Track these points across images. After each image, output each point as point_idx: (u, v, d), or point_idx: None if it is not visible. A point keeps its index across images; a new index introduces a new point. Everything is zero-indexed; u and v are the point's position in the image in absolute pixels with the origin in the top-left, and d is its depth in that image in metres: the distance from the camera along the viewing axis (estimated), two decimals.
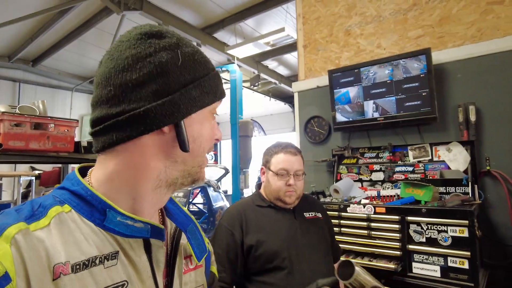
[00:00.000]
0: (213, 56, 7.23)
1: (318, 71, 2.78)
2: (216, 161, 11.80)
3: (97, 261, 0.49)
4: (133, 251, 0.54)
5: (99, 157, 0.58)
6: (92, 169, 0.60)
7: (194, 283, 0.67)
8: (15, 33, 6.27)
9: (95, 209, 0.52)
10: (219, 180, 7.56)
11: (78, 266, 0.47)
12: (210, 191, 6.83)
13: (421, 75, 2.11)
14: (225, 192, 7.93)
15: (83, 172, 0.60)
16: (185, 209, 0.72)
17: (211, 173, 7.84)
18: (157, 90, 0.53)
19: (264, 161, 1.51)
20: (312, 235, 1.43)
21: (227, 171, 7.62)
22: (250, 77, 8.09)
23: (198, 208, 7.29)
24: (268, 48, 6.11)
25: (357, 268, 1.06)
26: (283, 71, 8.44)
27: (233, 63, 6.51)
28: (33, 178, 4.81)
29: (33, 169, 6.90)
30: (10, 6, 5.22)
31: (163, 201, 0.62)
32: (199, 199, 7.48)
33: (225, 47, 6.09)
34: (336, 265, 1.40)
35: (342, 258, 1.93)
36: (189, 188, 6.26)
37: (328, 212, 2.07)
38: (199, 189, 6.83)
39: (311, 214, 1.50)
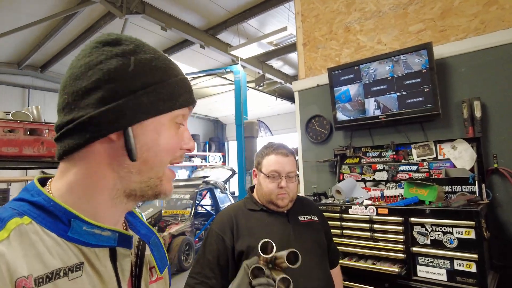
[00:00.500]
0: (217, 57, 7.23)
1: (319, 69, 2.72)
2: (224, 162, 11.79)
3: (61, 273, 0.48)
4: (99, 260, 0.53)
5: (60, 165, 0.57)
6: (52, 180, 0.58)
7: None
8: (22, 40, 6.38)
9: (58, 220, 0.51)
10: (226, 181, 7.55)
11: (41, 280, 0.45)
12: (217, 193, 6.82)
13: (423, 71, 2.04)
14: (233, 193, 7.92)
15: (43, 183, 0.58)
16: (146, 221, 0.72)
17: (218, 175, 7.83)
18: (103, 97, 0.52)
19: (256, 163, 1.47)
20: (306, 239, 1.38)
21: (234, 173, 7.60)
22: (255, 77, 8.05)
23: (206, 209, 7.29)
24: (272, 47, 6.08)
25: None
26: (288, 70, 8.39)
27: (237, 63, 6.48)
28: None
29: (44, 173, 6.98)
30: (16, 14, 5.31)
31: (123, 211, 0.61)
32: (206, 200, 7.48)
33: (229, 48, 6.07)
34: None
35: (343, 261, 1.87)
36: (196, 190, 6.25)
37: (329, 214, 2.03)
38: (207, 191, 6.82)
39: (306, 218, 1.45)
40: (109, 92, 0.53)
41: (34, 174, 6.73)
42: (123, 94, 0.53)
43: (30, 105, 7.71)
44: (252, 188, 1.53)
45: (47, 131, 1.84)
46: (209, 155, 11.29)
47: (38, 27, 5.68)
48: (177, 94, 0.58)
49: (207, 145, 11.73)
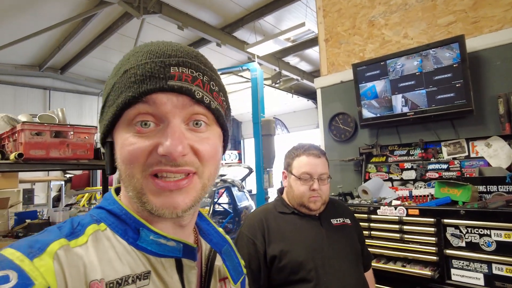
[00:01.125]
0: (233, 55, 7.20)
1: (342, 65, 2.65)
2: (240, 160, 11.80)
3: (130, 280, 0.48)
4: (165, 271, 0.53)
5: None
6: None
7: None
8: (43, 43, 6.51)
9: (129, 228, 0.53)
10: (243, 179, 7.53)
11: (111, 285, 0.46)
12: (235, 191, 6.81)
13: (454, 65, 1.95)
14: (250, 191, 7.89)
15: (119, 192, 0.60)
16: (221, 230, 0.69)
17: (235, 173, 7.83)
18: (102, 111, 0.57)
19: (286, 165, 1.42)
20: (340, 244, 1.33)
21: (251, 171, 7.57)
22: (271, 74, 7.99)
23: (224, 208, 7.31)
24: (289, 44, 6.00)
25: None
26: (305, 66, 8.28)
27: (254, 61, 6.44)
28: (63, 182, 4.97)
29: (65, 173, 7.17)
30: (37, 18, 5.42)
31: (173, 226, 0.56)
32: (224, 199, 7.49)
33: (245, 45, 6.02)
34: None
35: (374, 264, 1.81)
36: (213, 189, 6.26)
37: (356, 215, 1.96)
38: (224, 189, 6.83)
39: (339, 221, 1.39)
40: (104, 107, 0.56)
41: (56, 175, 6.90)
42: (101, 111, 0.56)
43: (51, 106, 7.92)
44: (281, 190, 1.48)
45: (72, 133, 1.85)
46: (225, 153, 11.34)
47: (58, 29, 5.78)
48: (118, 94, 0.51)
49: None
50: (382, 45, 2.43)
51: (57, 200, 6.34)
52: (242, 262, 0.71)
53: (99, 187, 6.51)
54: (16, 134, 1.78)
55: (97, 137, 1.99)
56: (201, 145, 0.52)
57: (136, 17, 4.98)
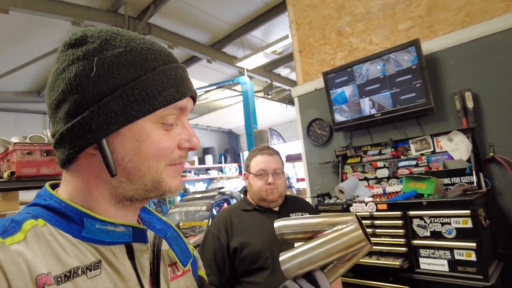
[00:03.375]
0: (224, 70, 7.40)
1: (315, 74, 2.80)
2: (240, 172, 11.89)
3: (79, 272, 0.47)
4: (116, 258, 0.51)
5: (62, 174, 0.56)
6: (58, 188, 0.57)
7: None
8: (40, 70, 6.75)
9: (71, 220, 0.50)
10: (241, 191, 7.63)
11: (59, 279, 0.44)
12: (233, 202, 6.90)
13: (413, 67, 2.09)
14: None
15: (54, 188, 0.58)
16: (163, 217, 0.68)
17: (234, 185, 7.93)
18: (69, 110, 0.49)
19: (246, 167, 1.57)
20: None
21: None
22: (263, 86, 8.17)
23: None
24: (276, 56, 6.19)
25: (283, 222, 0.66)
26: (296, 77, 8.47)
27: (244, 75, 6.63)
28: None
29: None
30: (34, 46, 5.66)
31: (134, 211, 0.58)
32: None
33: (234, 60, 6.23)
34: None
35: None
36: (212, 201, 6.36)
37: (332, 213, 2.08)
38: (223, 201, 6.92)
39: (298, 215, 1.52)
40: (73, 104, 0.48)
41: None
42: (87, 105, 0.48)
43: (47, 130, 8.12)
44: (245, 191, 1.62)
45: None
46: (225, 167, 11.43)
47: (54, 56, 6.00)
48: (155, 92, 0.50)
49: (222, 157, 11.88)
50: (350, 52, 2.59)
51: None
52: (190, 246, 0.70)
53: None
54: (9, 155, 1.92)
55: None
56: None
57: None
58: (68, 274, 0.45)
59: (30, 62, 5.91)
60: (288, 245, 1.35)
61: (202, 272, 0.76)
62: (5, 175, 1.79)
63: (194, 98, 0.59)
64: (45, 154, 1.97)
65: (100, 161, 0.50)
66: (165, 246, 0.63)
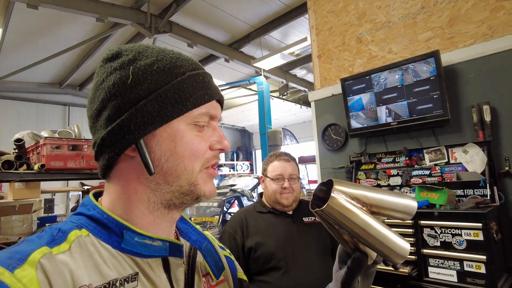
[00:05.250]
0: (241, 69, 7.48)
1: (333, 80, 2.84)
2: (251, 171, 11.98)
3: (118, 284, 0.48)
4: (152, 271, 0.53)
5: (105, 184, 0.59)
6: (102, 197, 0.60)
7: None
8: (63, 63, 6.97)
9: (112, 232, 0.52)
10: (253, 189, 7.70)
11: None
12: (244, 201, 6.99)
13: (431, 78, 2.11)
14: None
15: (97, 197, 0.61)
16: (199, 227, 0.70)
17: (245, 183, 8.01)
18: (109, 116, 0.53)
19: (262, 170, 1.64)
20: (309, 238, 1.52)
21: (260, 181, 7.73)
22: (279, 86, 8.21)
23: None
24: (293, 58, 6.23)
25: (335, 195, 0.58)
26: (312, 78, 8.48)
27: (260, 75, 6.69)
28: (80, 193, 5.24)
29: (83, 184, 7.51)
30: (57, 40, 5.85)
31: (171, 222, 0.60)
32: (234, 208, 7.66)
33: (252, 60, 6.29)
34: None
35: None
36: (223, 198, 6.46)
37: None
38: (234, 199, 7.01)
39: (311, 219, 1.58)
40: (113, 109, 0.52)
41: (74, 186, 7.26)
42: (125, 109, 0.52)
43: (70, 121, 8.36)
44: (261, 194, 1.69)
45: (86, 146, 2.09)
46: (237, 164, 11.54)
47: (77, 50, 6.21)
48: (187, 94, 0.54)
49: (235, 154, 11.99)
50: (369, 60, 2.61)
51: (75, 210, 6.66)
52: (223, 258, 0.72)
53: None
54: (39, 148, 2.04)
55: None
56: None
57: (148, 36, 5.32)
58: (108, 286, 0.47)
59: (54, 56, 6.11)
60: (304, 247, 1.37)
61: (241, 274, 0.78)
62: (36, 167, 1.90)
63: (221, 103, 0.62)
64: (71, 149, 2.08)
65: (139, 163, 0.52)
66: (200, 257, 0.65)
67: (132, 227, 0.53)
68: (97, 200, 0.58)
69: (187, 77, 0.55)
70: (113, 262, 0.50)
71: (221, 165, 11.18)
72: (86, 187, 7.18)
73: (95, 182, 7.22)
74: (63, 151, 2.00)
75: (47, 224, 2.60)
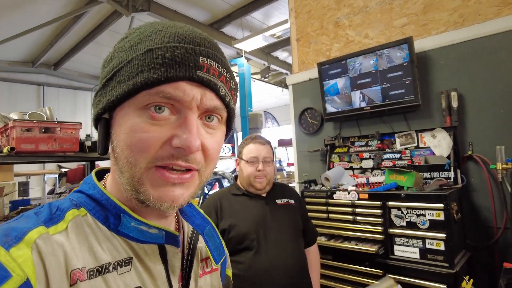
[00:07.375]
0: (223, 50, 7.37)
1: (311, 64, 2.86)
2: (233, 153, 12.01)
3: (111, 268, 0.47)
4: (148, 257, 0.52)
5: None
6: (108, 174, 0.58)
7: (210, 287, 0.64)
8: (36, 40, 6.66)
9: (110, 214, 0.51)
10: (234, 171, 7.77)
11: (92, 273, 0.46)
12: (225, 183, 7.05)
13: (404, 64, 2.16)
14: None
15: (101, 176, 0.58)
16: (203, 211, 0.68)
17: (226, 165, 8.06)
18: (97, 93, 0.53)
19: (238, 153, 1.67)
20: (281, 219, 1.57)
21: None
22: (260, 69, 8.16)
23: None
24: (275, 40, 6.18)
25: None
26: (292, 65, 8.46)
27: (242, 56, 6.62)
28: (57, 176, 5.15)
29: (60, 167, 7.37)
30: (29, 16, 5.57)
31: (159, 212, 0.55)
32: (215, 191, 7.72)
33: (232, 41, 6.20)
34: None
35: (329, 243, 2.04)
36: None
37: (316, 199, 2.20)
38: (215, 181, 7.06)
39: (283, 201, 1.64)
40: (99, 89, 0.52)
41: (51, 169, 7.11)
42: (99, 87, 0.52)
43: (45, 102, 8.08)
44: (236, 177, 1.73)
45: (59, 128, 2.05)
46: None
47: (50, 27, 5.94)
48: (134, 73, 0.46)
49: None
50: (346, 44, 2.64)
51: (51, 193, 6.56)
52: (224, 243, 0.72)
53: None
54: (9, 130, 1.99)
55: (81, 132, 2.19)
56: (210, 143, 0.51)
57: (125, 15, 5.14)
58: (100, 269, 0.46)
59: (25, 32, 5.83)
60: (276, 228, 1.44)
61: (229, 272, 0.77)
62: (5, 150, 1.86)
63: (207, 86, 0.48)
64: (43, 131, 2.03)
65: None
66: (201, 242, 0.64)
67: (129, 211, 0.51)
68: (102, 178, 0.57)
69: (142, 53, 0.46)
70: (108, 245, 0.49)
71: None
72: (64, 170, 7.05)
73: (73, 165, 7.09)
74: (34, 133, 1.95)
75: (20, 208, 2.57)
